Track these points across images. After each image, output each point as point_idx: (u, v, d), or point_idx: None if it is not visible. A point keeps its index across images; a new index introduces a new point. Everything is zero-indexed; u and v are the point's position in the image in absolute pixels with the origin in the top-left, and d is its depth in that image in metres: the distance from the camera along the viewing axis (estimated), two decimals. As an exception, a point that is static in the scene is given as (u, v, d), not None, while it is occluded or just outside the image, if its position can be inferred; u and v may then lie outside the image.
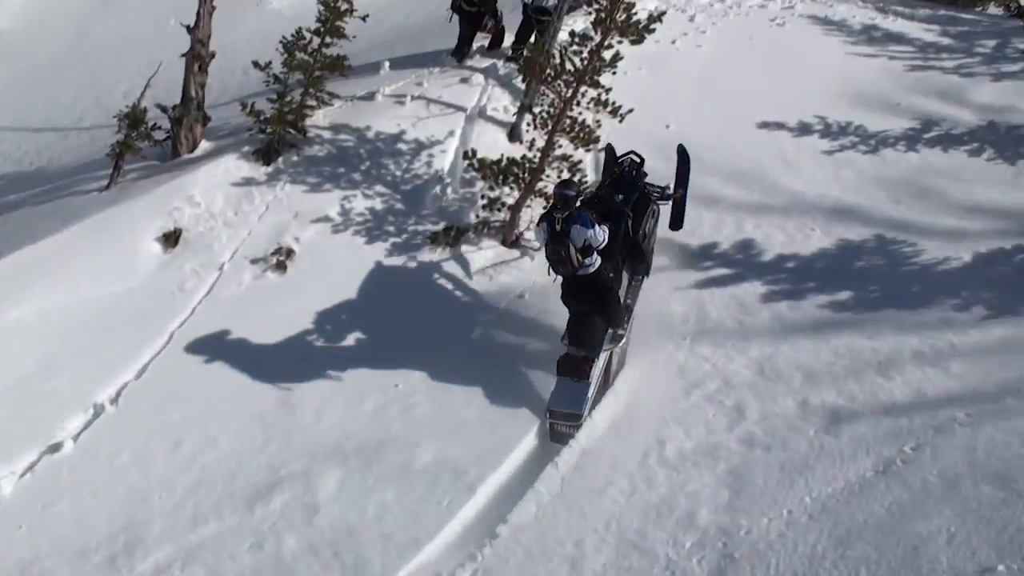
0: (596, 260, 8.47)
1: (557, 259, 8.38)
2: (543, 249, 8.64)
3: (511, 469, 8.32)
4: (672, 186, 10.60)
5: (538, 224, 8.70)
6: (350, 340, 9.85)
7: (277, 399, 9.09)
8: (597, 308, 8.74)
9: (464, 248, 10.91)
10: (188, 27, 12.61)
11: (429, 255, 10.81)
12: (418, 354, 9.49)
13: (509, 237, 11.01)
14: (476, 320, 10.06)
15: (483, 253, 10.93)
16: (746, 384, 8.87)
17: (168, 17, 17.14)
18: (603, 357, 8.99)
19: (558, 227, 8.28)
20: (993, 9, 19.53)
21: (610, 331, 8.99)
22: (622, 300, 9.35)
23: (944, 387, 8.46)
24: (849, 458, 7.76)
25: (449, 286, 10.59)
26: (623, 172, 10.26)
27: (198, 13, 12.64)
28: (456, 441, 8.48)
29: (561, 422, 8.56)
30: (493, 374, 9.20)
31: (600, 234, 8.34)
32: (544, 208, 9.77)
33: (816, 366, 8.96)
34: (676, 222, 10.65)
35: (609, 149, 11.17)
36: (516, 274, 10.64)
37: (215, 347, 9.69)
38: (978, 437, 7.70)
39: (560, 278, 8.75)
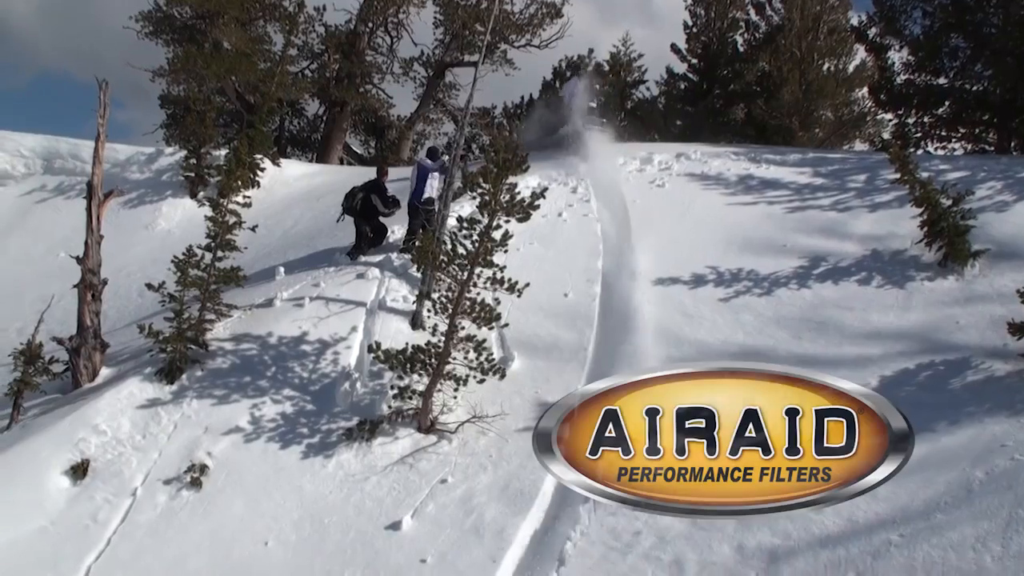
0: None
1: None
2: None
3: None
4: None
5: None
6: (275, 552, 9.54)
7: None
8: None
9: (380, 440, 10.77)
10: (77, 258, 12.59)
11: (345, 452, 10.63)
12: (347, 554, 9.23)
13: (424, 423, 10.91)
14: (400, 510, 9.85)
15: (400, 443, 10.79)
16: (681, 536, 8.76)
17: (56, 250, 17.13)
18: None
19: None
20: (859, 145, 20.44)
21: None
22: None
23: (874, 511, 8.46)
24: (794, 597, 7.67)
25: (371, 480, 10.39)
26: None
27: (86, 243, 12.66)
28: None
29: None
30: (425, 566, 8.98)
31: None
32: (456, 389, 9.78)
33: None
34: None
35: None
36: (436, 459, 10.49)
37: (135, 576, 9.31)
38: (915, 557, 7.69)
39: None
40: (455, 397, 11.06)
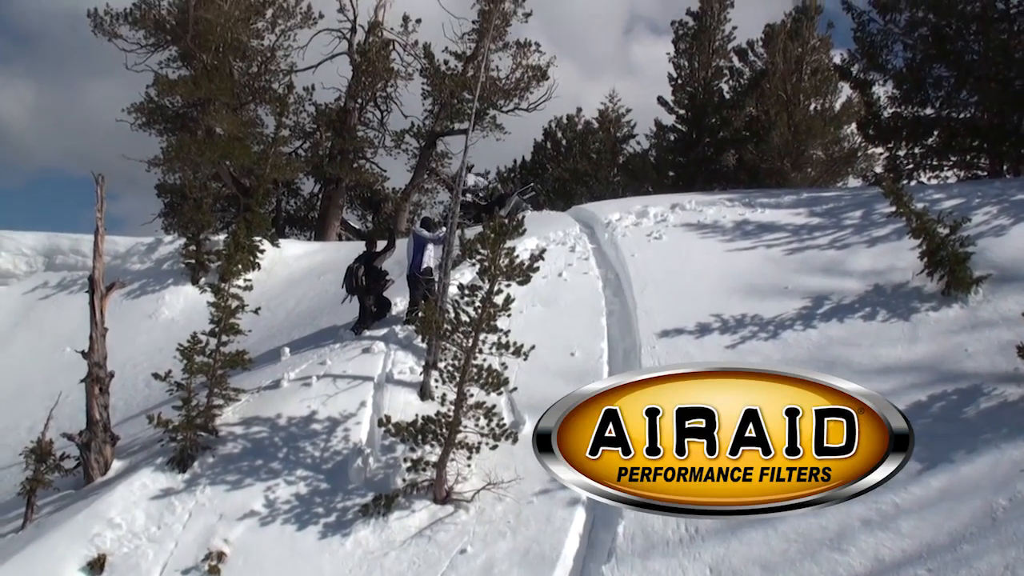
0: None
1: None
2: None
3: None
4: None
5: None
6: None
7: None
8: None
9: (397, 514, 10.67)
10: (83, 352, 12.60)
11: (363, 529, 10.54)
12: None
13: (440, 494, 10.84)
14: (423, 585, 9.78)
15: (417, 515, 10.70)
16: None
17: (62, 345, 17.16)
18: None
19: None
20: (852, 181, 20.54)
21: None
22: None
23: (900, 548, 8.39)
24: (825, 643, 7.59)
25: (390, 555, 10.31)
26: None
27: (91, 337, 12.68)
28: None
29: None
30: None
31: None
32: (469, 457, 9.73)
33: (770, 556, 8.83)
34: None
35: None
36: (454, 529, 10.40)
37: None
38: (945, 591, 7.62)
39: None
40: (469, 465, 10.98)
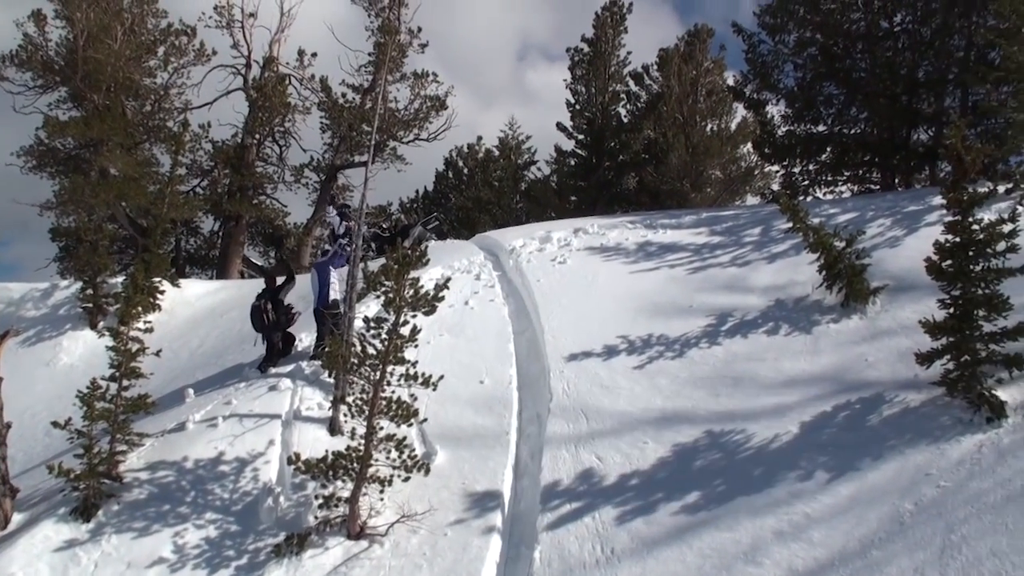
0: None
1: None
2: None
3: None
4: None
5: None
6: None
7: None
8: None
9: (311, 552, 10.48)
10: (-22, 420, 12.19)
11: (276, 569, 10.33)
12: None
13: (353, 530, 10.68)
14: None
15: (331, 552, 10.52)
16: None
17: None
18: None
19: None
20: (750, 199, 20.93)
21: None
22: None
23: (813, 557, 8.51)
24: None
25: (304, 596, 10.14)
26: None
27: (-13, 394, 12.27)
28: None
29: None
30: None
31: None
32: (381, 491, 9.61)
33: (686, 572, 8.88)
34: None
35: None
36: (369, 564, 10.25)
37: None
38: (858, 597, 7.73)
39: None
40: (382, 499, 10.86)
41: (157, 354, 12.76)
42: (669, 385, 12.44)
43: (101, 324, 20.46)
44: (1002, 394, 10.06)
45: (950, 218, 10.81)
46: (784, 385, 11.76)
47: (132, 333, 12.41)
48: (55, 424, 12.11)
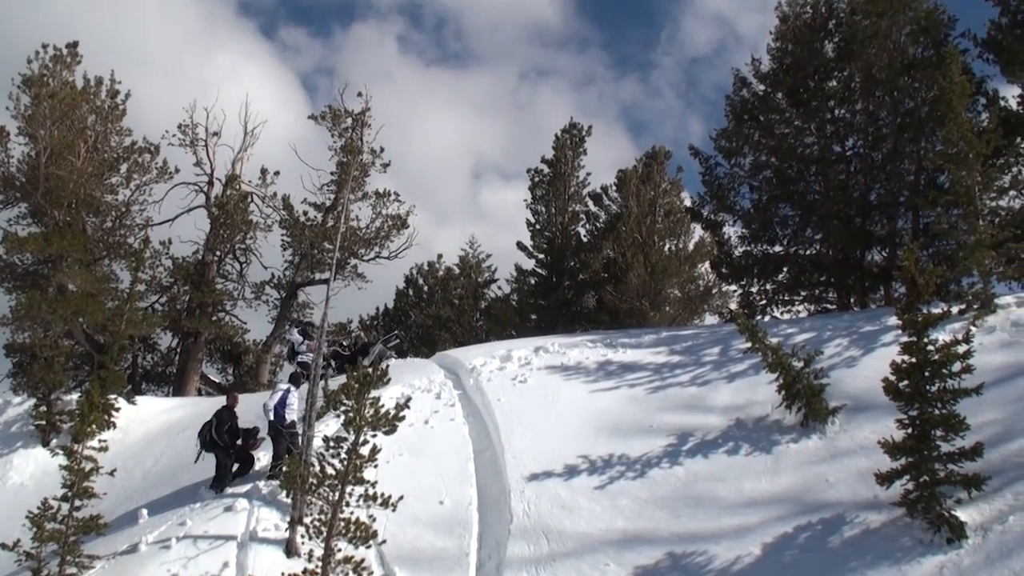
0: None
1: None
2: None
3: None
4: None
5: None
6: None
7: None
8: None
9: None
10: (-77, 527, 11.90)
11: None
12: None
13: (309, 655, 10.45)
14: None
15: None
16: None
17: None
18: None
19: None
20: (709, 318, 21.12)
21: None
22: None
23: None
24: None
25: None
26: None
27: (-67, 508, 11.99)
28: None
29: None
30: None
31: None
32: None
33: None
34: None
35: None
36: None
37: None
38: None
39: None
40: (340, 624, 10.65)
41: (111, 473, 12.57)
42: (630, 505, 12.37)
43: (54, 442, 20.09)
44: (962, 514, 10.10)
45: (905, 339, 10.98)
46: (745, 506, 11.74)
47: (86, 452, 12.23)
48: (3, 546, 11.87)
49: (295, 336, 15.59)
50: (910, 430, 10.71)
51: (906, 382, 10.86)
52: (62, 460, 12.34)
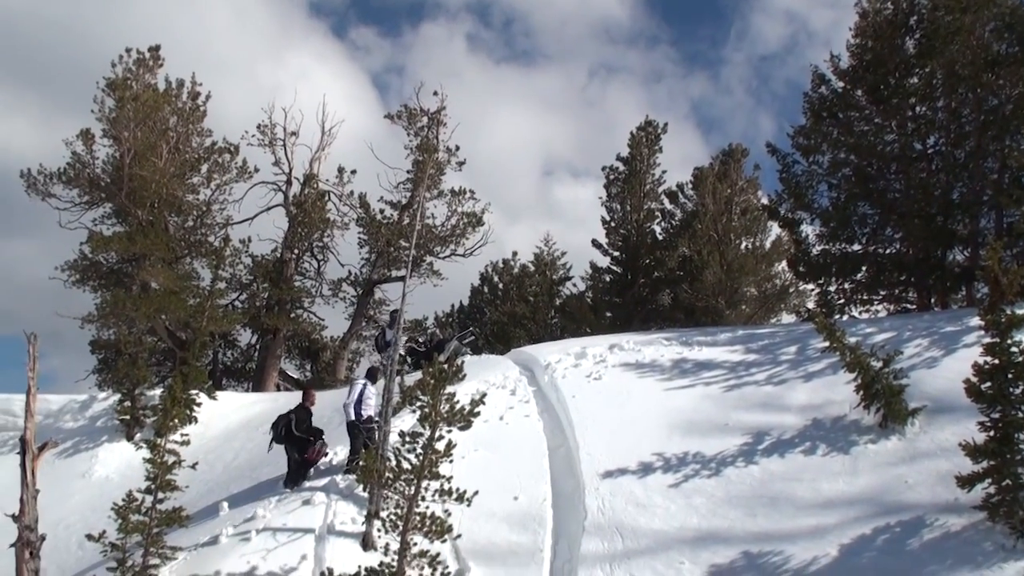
0: None
1: None
2: None
3: None
4: None
5: None
6: None
7: None
8: None
9: (343, 671, 10.38)
10: (13, 516, 12.22)
11: None
12: None
13: (386, 649, 10.57)
14: None
15: (363, 672, 10.41)
16: None
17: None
18: None
19: None
20: (786, 317, 20.89)
21: None
22: None
23: None
24: None
25: None
26: None
27: (22, 499, 12.30)
28: None
29: None
30: None
31: None
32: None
33: None
34: None
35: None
36: None
37: None
38: None
39: None
40: (415, 617, 10.74)
41: (193, 467, 12.79)
42: (705, 504, 12.31)
43: (138, 436, 20.60)
44: (1044, 521, 9.91)
45: (988, 340, 10.79)
46: (822, 506, 11.61)
47: (168, 446, 12.47)
48: (89, 537, 12.14)
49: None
50: (992, 432, 10.53)
51: (988, 384, 10.67)
52: (146, 454, 12.60)
